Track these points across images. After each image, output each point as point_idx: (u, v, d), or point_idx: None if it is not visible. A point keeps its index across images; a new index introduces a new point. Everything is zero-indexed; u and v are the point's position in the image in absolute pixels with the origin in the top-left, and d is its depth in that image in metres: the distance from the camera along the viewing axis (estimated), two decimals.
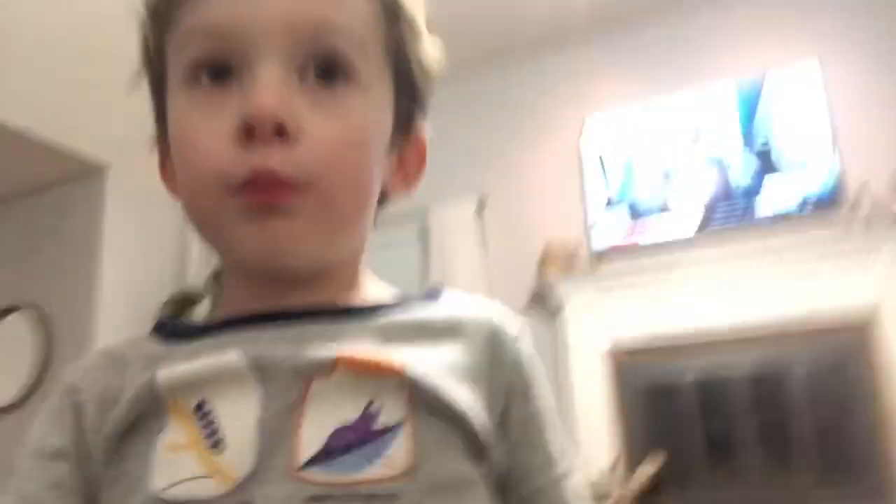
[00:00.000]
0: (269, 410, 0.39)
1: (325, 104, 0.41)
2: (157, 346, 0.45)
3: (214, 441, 0.39)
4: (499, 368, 0.45)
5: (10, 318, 3.06)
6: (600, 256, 3.49)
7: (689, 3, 3.42)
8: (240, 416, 0.39)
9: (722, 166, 3.32)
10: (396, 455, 0.38)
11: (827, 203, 3.11)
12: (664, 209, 3.40)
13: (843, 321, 2.94)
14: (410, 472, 0.38)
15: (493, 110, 3.86)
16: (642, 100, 3.47)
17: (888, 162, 3.01)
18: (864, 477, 2.88)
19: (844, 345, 2.99)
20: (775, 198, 3.20)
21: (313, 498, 0.37)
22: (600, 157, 3.52)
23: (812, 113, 3.16)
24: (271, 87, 0.39)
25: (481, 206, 3.73)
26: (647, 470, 2.95)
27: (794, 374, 3.03)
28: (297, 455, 0.38)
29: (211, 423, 0.39)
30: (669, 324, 3.22)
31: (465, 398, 0.42)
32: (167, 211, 2.56)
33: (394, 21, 0.46)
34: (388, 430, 0.39)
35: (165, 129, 0.45)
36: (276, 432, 0.39)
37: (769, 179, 3.22)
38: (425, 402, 0.40)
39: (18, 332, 3.00)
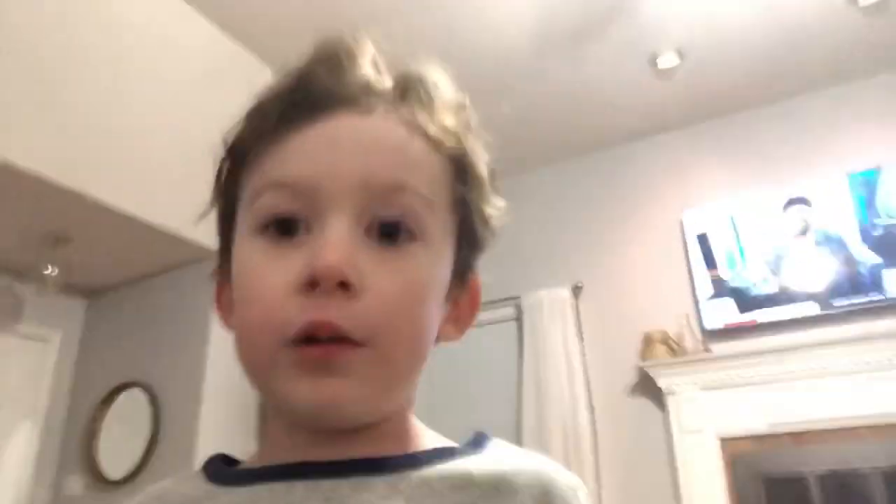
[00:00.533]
0: None
1: (390, 260, 0.41)
2: (202, 488, 0.45)
3: None
4: None
5: (124, 394, 3.19)
6: (710, 338, 3.30)
7: (797, 89, 3.34)
8: None
9: (842, 245, 3.12)
10: None
11: None
12: (777, 294, 3.21)
13: None
14: None
15: (596, 197, 3.86)
16: (744, 189, 3.37)
17: None
18: None
19: None
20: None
21: None
22: (706, 243, 3.39)
23: None
24: (339, 243, 0.39)
25: (577, 291, 3.69)
26: None
27: None
28: None
29: None
30: (788, 411, 3.00)
31: None
32: None
33: (463, 178, 0.46)
34: None
35: (227, 262, 0.46)
36: None
37: (890, 262, 3.01)
38: None
39: (133, 408, 3.12)
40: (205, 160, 0.50)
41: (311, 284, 0.39)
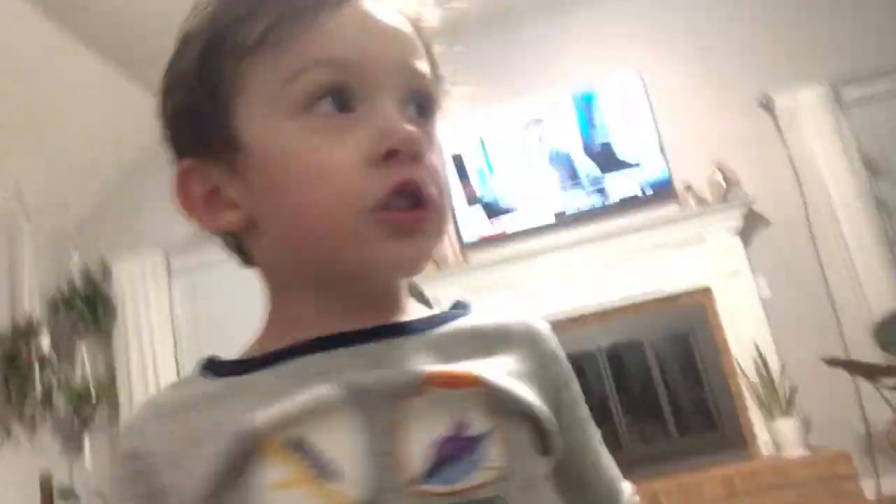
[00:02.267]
0: (374, 435, 0.40)
1: (426, 135, 0.45)
2: (215, 384, 0.45)
3: (326, 473, 0.39)
4: (545, 366, 0.49)
5: None
6: (468, 249, 3.60)
7: (525, 15, 3.64)
8: (346, 445, 0.40)
9: (569, 161, 3.57)
10: (493, 460, 0.41)
11: (659, 198, 3.51)
12: (519, 205, 3.59)
13: (686, 296, 3.40)
14: (506, 473, 0.42)
15: None
16: (485, 104, 3.64)
17: (707, 161, 3.45)
18: (719, 423, 3.27)
19: (688, 316, 3.41)
20: (617, 188, 3.52)
21: None
22: (458, 157, 3.63)
23: (639, 117, 3.54)
24: (402, 118, 0.43)
25: None
26: None
27: (649, 344, 3.38)
28: (411, 473, 0.40)
29: (315, 456, 0.40)
30: (535, 308, 3.41)
31: (532, 397, 0.46)
32: None
33: (430, 53, 0.50)
34: (481, 438, 0.42)
35: (218, 151, 0.45)
36: (384, 454, 0.40)
37: (610, 175, 3.55)
38: (503, 407, 0.43)
39: None
40: None
41: (390, 154, 0.42)
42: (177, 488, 0.41)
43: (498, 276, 3.49)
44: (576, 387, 0.52)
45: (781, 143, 3.46)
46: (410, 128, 0.43)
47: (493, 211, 3.63)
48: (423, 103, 0.46)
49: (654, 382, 3.36)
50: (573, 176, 3.60)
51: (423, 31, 0.49)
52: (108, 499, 0.45)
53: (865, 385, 3.01)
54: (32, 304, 3.68)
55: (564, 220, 3.56)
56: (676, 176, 3.49)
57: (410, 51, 0.46)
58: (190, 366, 3.39)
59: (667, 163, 3.50)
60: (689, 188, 3.44)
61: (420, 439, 0.40)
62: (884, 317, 2.99)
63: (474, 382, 0.43)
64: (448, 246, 3.59)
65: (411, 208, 0.43)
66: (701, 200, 3.41)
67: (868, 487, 2.96)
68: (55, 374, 3.62)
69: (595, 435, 0.55)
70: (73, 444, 3.77)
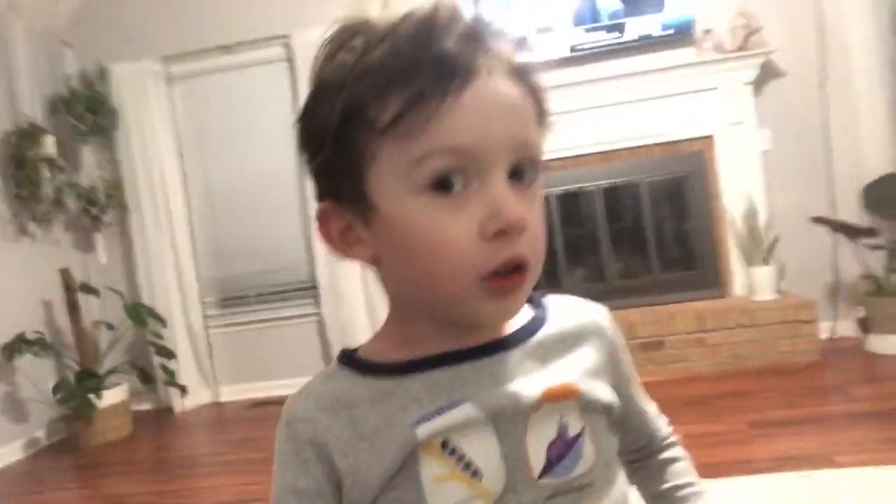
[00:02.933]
0: (505, 444, 0.52)
1: (528, 199, 0.52)
2: (367, 385, 0.56)
3: (472, 471, 0.52)
4: (610, 353, 0.61)
5: None
6: None
7: None
8: (486, 451, 0.52)
9: None
10: (588, 454, 0.55)
11: (677, 40, 3.42)
12: (535, 34, 3.48)
13: (687, 143, 3.45)
14: (597, 462, 0.55)
15: None
16: None
17: (732, 6, 3.32)
18: (701, 265, 3.50)
19: (686, 162, 3.48)
20: (636, 26, 3.42)
21: (550, 496, 0.53)
22: None
23: None
24: (512, 197, 0.49)
25: None
26: None
27: (645, 186, 3.50)
28: (532, 471, 0.53)
29: (461, 457, 0.52)
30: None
31: (608, 393, 0.58)
32: None
33: (541, 115, 0.55)
34: (578, 438, 0.55)
35: (350, 203, 0.53)
36: (513, 458, 0.52)
37: (631, 14, 3.43)
38: (590, 407, 0.56)
39: None
40: None
41: (501, 233, 0.49)
42: (352, 473, 0.53)
43: None
44: (626, 356, 0.64)
45: None
46: (516, 208, 0.49)
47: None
48: (528, 168, 0.52)
49: (645, 221, 3.53)
50: (593, 11, 3.46)
51: (533, 88, 0.53)
52: (280, 467, 0.57)
53: (843, 242, 3.21)
54: (33, 107, 3.63)
55: (579, 56, 3.48)
56: (699, 20, 3.37)
57: (521, 125, 0.51)
58: (195, 175, 3.45)
59: (692, 5, 3.37)
60: (708, 32, 3.35)
61: (538, 443, 0.53)
62: (874, 180, 3.11)
63: (574, 395, 0.55)
64: None
65: (512, 274, 0.51)
66: (719, 47, 3.34)
67: (825, 330, 3.28)
68: (63, 173, 3.67)
69: (639, 389, 0.68)
70: (85, 243, 3.93)
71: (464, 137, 0.48)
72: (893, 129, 3.20)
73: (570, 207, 3.58)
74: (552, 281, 3.53)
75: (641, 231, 3.54)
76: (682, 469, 0.69)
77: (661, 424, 0.71)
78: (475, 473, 0.52)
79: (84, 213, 3.74)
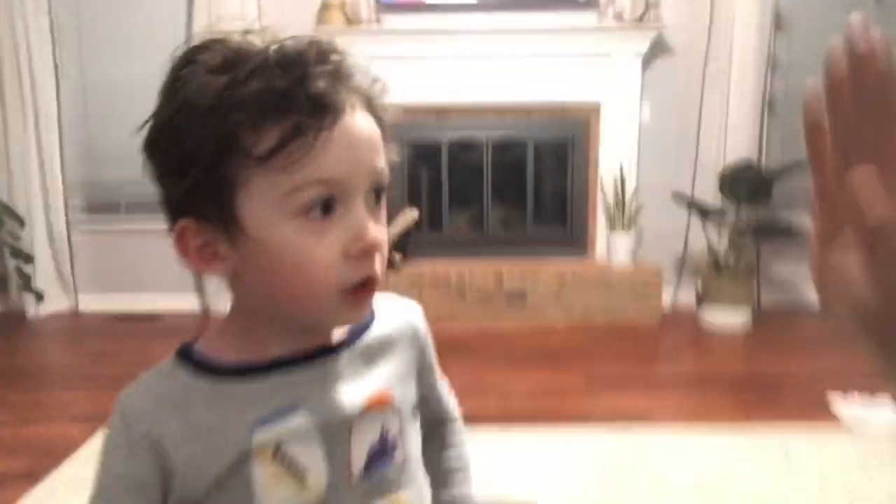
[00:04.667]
0: (331, 448, 0.61)
1: (378, 216, 0.60)
2: (205, 384, 0.60)
3: (299, 474, 0.59)
4: (420, 349, 0.73)
5: None
6: (384, 11, 3.50)
7: None
8: (312, 455, 0.60)
9: None
10: (399, 456, 0.65)
11: (581, 3, 3.53)
12: None
13: (576, 108, 3.61)
14: (405, 456, 0.66)
15: None
16: None
17: None
18: (570, 225, 3.73)
19: (571, 126, 3.65)
20: None
21: (364, 491, 0.62)
22: None
23: None
24: (371, 222, 0.57)
25: None
26: (410, 215, 3.40)
27: (531, 144, 3.66)
28: (352, 472, 0.62)
29: (291, 462, 0.59)
30: (437, 87, 3.51)
31: (415, 392, 0.71)
32: None
33: (384, 137, 0.62)
34: (395, 442, 0.65)
35: (217, 222, 0.57)
36: (336, 462, 0.61)
37: None
38: (403, 411, 0.67)
39: None
40: None
41: (367, 252, 0.57)
42: (183, 472, 0.58)
43: (409, 46, 3.47)
44: (431, 346, 0.76)
45: None
46: (375, 232, 0.57)
47: None
48: (380, 191, 0.60)
49: (526, 178, 3.68)
50: None
51: (381, 118, 0.60)
52: (109, 456, 0.59)
53: (695, 219, 3.52)
54: None
55: (486, 4, 3.50)
56: None
57: (377, 155, 0.59)
58: (71, 67, 3.21)
59: None
60: (611, 0, 3.46)
61: (360, 448, 0.62)
62: (729, 165, 3.40)
63: (390, 401, 0.65)
64: (363, 2, 3.46)
65: (366, 286, 0.59)
66: (619, 16, 3.47)
67: (669, 298, 3.62)
68: None
69: (437, 373, 0.79)
70: None
71: (335, 170, 0.54)
72: (757, 120, 3.50)
73: (459, 155, 3.67)
74: (436, 225, 3.65)
75: (522, 186, 3.70)
76: (457, 453, 0.82)
77: (451, 406, 0.83)
78: (302, 475, 0.59)
79: None
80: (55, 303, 3.70)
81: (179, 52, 0.58)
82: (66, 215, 3.71)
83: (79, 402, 2.49)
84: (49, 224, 3.68)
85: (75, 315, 3.73)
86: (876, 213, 0.32)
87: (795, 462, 1.94)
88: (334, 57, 0.56)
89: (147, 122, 0.58)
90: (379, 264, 0.59)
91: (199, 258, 0.58)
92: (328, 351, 0.63)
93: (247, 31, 0.57)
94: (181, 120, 0.54)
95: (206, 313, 3.70)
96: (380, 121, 0.60)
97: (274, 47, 0.54)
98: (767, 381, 2.62)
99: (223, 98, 0.52)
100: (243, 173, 0.54)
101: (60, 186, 3.67)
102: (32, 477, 1.90)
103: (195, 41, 0.57)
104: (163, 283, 3.73)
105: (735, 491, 1.79)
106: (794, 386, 2.55)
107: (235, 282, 0.61)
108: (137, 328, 3.50)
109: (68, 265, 3.73)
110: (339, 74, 0.55)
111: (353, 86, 0.57)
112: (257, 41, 0.56)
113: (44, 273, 3.64)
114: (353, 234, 0.56)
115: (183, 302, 3.71)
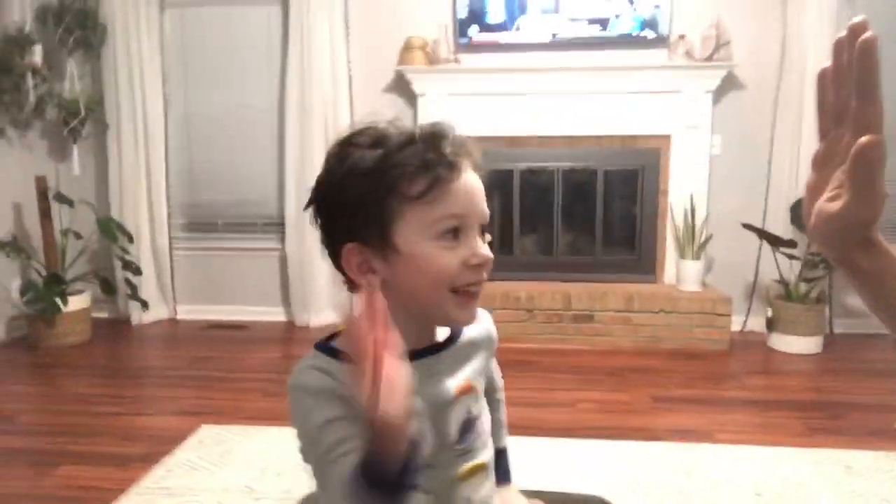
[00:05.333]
0: (434, 423, 0.79)
1: (486, 240, 0.79)
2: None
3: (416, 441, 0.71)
4: (492, 349, 0.92)
5: None
6: (460, 50, 3.73)
7: None
8: (423, 427, 0.76)
9: None
10: (479, 427, 0.84)
11: (652, 42, 3.67)
12: (520, 18, 3.67)
13: (646, 139, 3.75)
14: (483, 431, 0.85)
15: None
16: None
17: (708, 17, 3.59)
18: (639, 251, 3.84)
19: (644, 156, 3.78)
20: (617, 24, 3.65)
21: (458, 455, 0.81)
22: None
23: None
24: (484, 245, 0.77)
25: None
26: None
27: (602, 173, 3.80)
28: (450, 439, 0.80)
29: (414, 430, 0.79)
30: (512, 121, 3.72)
31: (486, 381, 0.91)
32: None
33: None
34: (478, 416, 0.84)
35: (377, 246, 0.76)
36: (439, 432, 0.79)
37: (613, 9, 3.64)
38: (480, 397, 0.86)
39: None
40: None
41: (480, 265, 0.77)
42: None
43: (486, 83, 3.70)
44: (496, 343, 0.93)
45: (782, 16, 3.58)
46: (484, 251, 0.77)
47: (490, 26, 3.71)
48: (486, 228, 0.80)
49: (596, 205, 3.81)
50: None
51: (483, 176, 0.81)
52: (317, 415, 0.73)
53: (766, 248, 3.56)
54: (23, 15, 3.66)
55: (558, 43, 3.69)
56: (676, 24, 3.61)
57: (483, 202, 0.79)
58: (177, 101, 3.57)
59: (671, 10, 3.61)
60: (682, 38, 3.58)
61: (454, 423, 0.81)
62: (801, 198, 3.44)
63: (473, 390, 0.85)
64: (443, 43, 3.70)
65: (471, 291, 0.78)
66: (689, 53, 3.59)
67: (737, 324, 3.66)
68: (47, 83, 3.74)
69: (495, 361, 0.99)
70: (59, 153, 4.02)
71: (461, 207, 0.76)
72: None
73: (531, 182, 3.84)
74: (507, 246, 3.83)
75: (592, 213, 3.83)
76: (498, 416, 1.01)
77: (497, 376, 1.03)
78: (421, 437, 0.78)
79: (63, 123, 3.82)
80: (156, 311, 4.06)
81: (340, 136, 0.79)
82: (169, 233, 4.07)
83: (181, 399, 2.76)
84: (154, 240, 4.04)
85: (173, 322, 4.07)
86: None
87: (857, 482, 1.99)
88: (450, 132, 0.78)
89: (316, 186, 0.79)
90: (486, 274, 0.79)
91: (358, 271, 0.78)
92: (435, 349, 0.82)
93: (388, 121, 0.79)
94: (351, 178, 0.76)
95: (290, 324, 3.98)
96: (482, 176, 0.81)
97: (416, 129, 0.77)
98: (833, 405, 2.65)
99: (384, 160, 0.75)
100: (400, 209, 0.75)
101: (165, 206, 4.05)
102: (150, 459, 2.16)
103: (351, 129, 0.79)
104: (251, 296, 4.04)
105: None
106: (861, 410, 2.58)
107: (386, 293, 0.78)
108: (228, 335, 3.80)
109: (169, 278, 4.09)
110: (458, 142, 0.78)
111: (466, 151, 0.78)
112: (391, 128, 0.78)
113: (147, 284, 4.00)
114: (471, 251, 0.76)
115: (267, 314, 4.03)
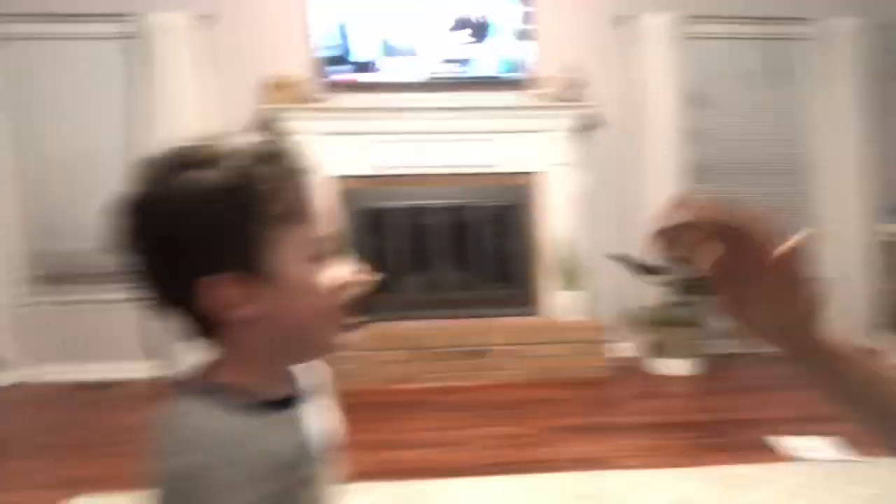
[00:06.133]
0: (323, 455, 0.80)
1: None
2: (252, 420, 0.70)
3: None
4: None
5: None
6: (329, 90, 3.71)
7: None
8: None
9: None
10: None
11: (517, 83, 3.84)
12: (383, 57, 3.73)
13: (515, 176, 3.89)
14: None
15: None
16: None
17: (569, 59, 3.81)
18: (519, 282, 3.93)
19: (514, 192, 3.92)
20: (481, 65, 3.81)
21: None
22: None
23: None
24: (348, 263, 0.75)
25: (204, 20, 3.67)
26: (368, 279, 3.50)
27: (478, 209, 3.90)
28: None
29: None
30: (388, 158, 3.72)
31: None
32: None
33: None
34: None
35: (248, 271, 0.67)
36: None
37: (479, 48, 3.79)
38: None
39: None
40: None
41: (350, 284, 0.74)
42: None
43: (355, 123, 3.70)
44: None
45: (638, 58, 3.88)
46: (352, 268, 0.76)
47: (361, 66, 3.74)
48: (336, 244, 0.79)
49: (475, 242, 3.88)
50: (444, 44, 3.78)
51: None
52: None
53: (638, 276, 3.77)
54: None
55: (424, 84, 3.77)
56: (539, 66, 3.82)
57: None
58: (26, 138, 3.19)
59: (533, 52, 3.80)
60: (542, 79, 3.78)
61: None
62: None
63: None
64: (309, 83, 3.66)
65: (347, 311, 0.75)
66: (552, 94, 3.78)
67: (626, 349, 3.83)
68: None
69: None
70: None
71: (324, 226, 0.73)
72: (683, 184, 3.85)
73: (408, 221, 3.85)
74: (389, 287, 3.78)
75: (473, 250, 3.89)
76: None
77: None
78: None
79: None
80: (14, 373, 3.63)
81: (155, 159, 0.67)
82: (21, 286, 3.67)
83: (46, 469, 2.45)
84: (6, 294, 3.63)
85: (33, 385, 3.64)
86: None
87: (743, 496, 2.11)
88: (287, 146, 0.72)
89: (138, 218, 0.66)
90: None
91: (228, 306, 0.67)
92: (300, 396, 0.78)
93: (200, 139, 0.69)
94: (199, 203, 0.64)
95: (157, 380, 3.66)
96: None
97: (250, 146, 0.68)
98: (715, 423, 2.81)
99: (241, 180, 0.65)
100: (267, 228, 0.67)
101: (4, 258, 3.65)
102: None
103: (165, 153, 0.67)
104: (109, 352, 3.71)
105: None
106: (741, 426, 2.76)
107: (251, 328, 0.70)
108: (82, 397, 3.45)
109: (22, 336, 3.67)
110: (298, 158, 0.72)
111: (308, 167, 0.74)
112: (214, 145, 0.67)
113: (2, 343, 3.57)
114: (341, 270, 0.73)
115: (134, 371, 3.69)
